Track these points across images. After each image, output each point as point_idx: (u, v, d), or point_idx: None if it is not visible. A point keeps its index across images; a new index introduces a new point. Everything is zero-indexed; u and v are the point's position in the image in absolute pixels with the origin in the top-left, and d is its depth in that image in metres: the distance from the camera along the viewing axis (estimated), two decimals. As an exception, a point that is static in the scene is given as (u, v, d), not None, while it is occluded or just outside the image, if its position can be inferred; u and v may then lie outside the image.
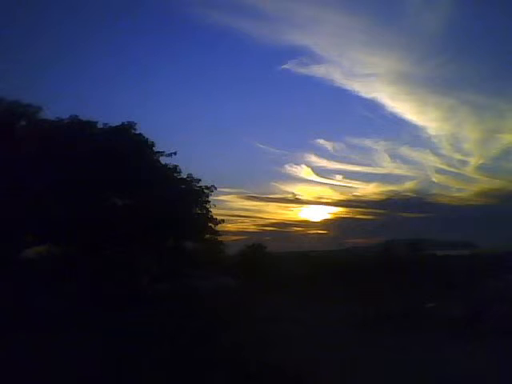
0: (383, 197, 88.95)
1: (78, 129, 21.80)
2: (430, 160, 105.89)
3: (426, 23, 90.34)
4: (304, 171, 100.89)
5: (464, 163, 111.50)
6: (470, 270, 31.46)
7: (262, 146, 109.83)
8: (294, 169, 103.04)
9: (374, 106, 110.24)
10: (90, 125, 22.58)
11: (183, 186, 24.12)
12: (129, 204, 23.16)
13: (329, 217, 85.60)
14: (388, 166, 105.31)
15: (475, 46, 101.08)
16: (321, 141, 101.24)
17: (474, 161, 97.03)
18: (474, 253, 42.32)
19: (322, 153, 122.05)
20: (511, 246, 42.23)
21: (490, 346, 14.16)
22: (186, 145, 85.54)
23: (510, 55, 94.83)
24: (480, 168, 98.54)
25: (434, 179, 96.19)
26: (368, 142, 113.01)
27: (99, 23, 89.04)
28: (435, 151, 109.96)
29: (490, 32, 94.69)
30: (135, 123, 22.89)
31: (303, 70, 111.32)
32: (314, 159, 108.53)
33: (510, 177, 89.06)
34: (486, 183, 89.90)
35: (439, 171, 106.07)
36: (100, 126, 22.82)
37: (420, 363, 12.14)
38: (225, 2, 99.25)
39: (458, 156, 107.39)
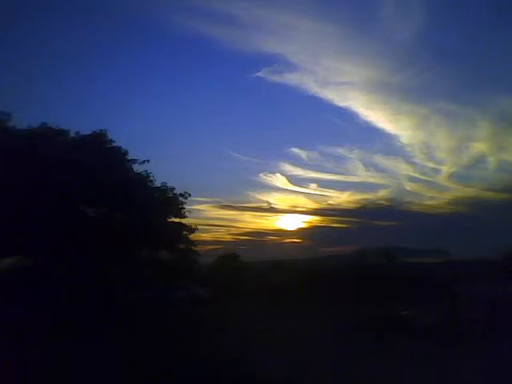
0: (357, 205, 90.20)
1: (50, 138, 21.46)
2: (403, 168, 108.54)
3: (400, 32, 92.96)
4: (278, 180, 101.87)
5: (436, 171, 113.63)
6: (443, 277, 31.90)
7: (236, 154, 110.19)
8: (268, 178, 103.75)
9: (347, 115, 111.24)
10: (62, 133, 22.29)
11: (157, 195, 23.93)
12: (102, 213, 22.83)
13: (303, 225, 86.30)
14: (362, 175, 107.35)
15: (448, 56, 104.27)
16: (295, 149, 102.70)
17: (446, 169, 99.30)
18: (446, 260, 42.98)
19: (297, 161, 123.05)
20: (482, 253, 43.16)
21: (465, 351, 14.38)
22: (159, 154, 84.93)
23: (483, 66, 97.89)
24: (452, 176, 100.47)
25: (406, 187, 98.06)
26: (342, 151, 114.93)
27: (67, 27, 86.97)
28: (408, 160, 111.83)
29: (463, 42, 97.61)
30: (106, 131, 22.78)
31: (277, 78, 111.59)
32: (288, 168, 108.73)
33: (482, 185, 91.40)
34: (458, 191, 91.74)
35: (412, 179, 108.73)
36: (72, 134, 22.58)
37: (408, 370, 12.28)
38: (196, 9, 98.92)
39: (430, 164, 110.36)
